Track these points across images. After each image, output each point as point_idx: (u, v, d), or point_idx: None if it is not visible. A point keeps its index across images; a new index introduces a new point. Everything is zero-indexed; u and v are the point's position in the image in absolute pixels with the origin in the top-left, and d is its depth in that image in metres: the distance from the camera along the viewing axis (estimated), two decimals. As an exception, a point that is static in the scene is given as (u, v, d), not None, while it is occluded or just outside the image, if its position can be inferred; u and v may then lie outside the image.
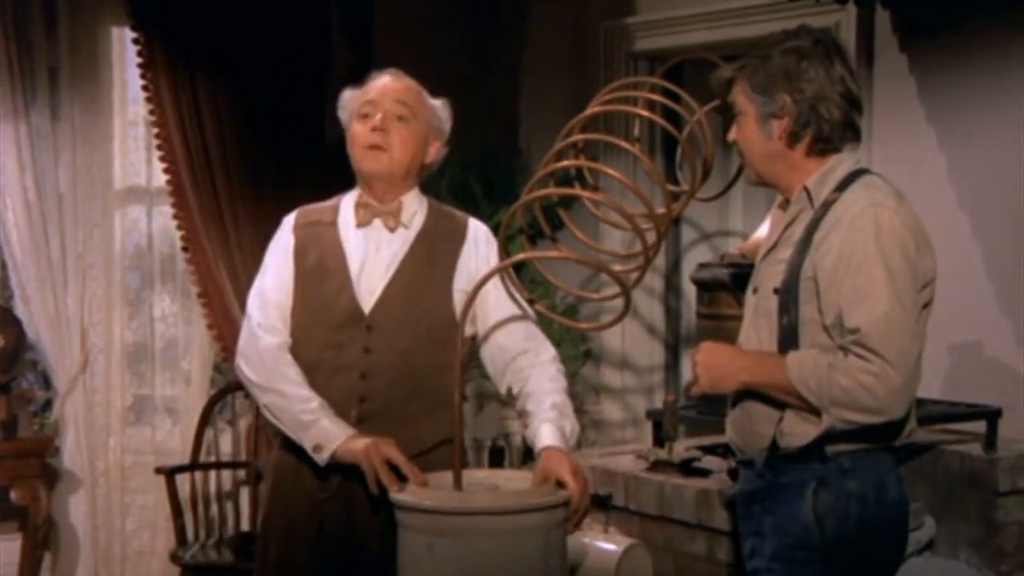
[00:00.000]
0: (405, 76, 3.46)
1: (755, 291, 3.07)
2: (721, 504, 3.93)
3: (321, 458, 3.21)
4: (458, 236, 3.44)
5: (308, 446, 3.22)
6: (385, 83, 3.42)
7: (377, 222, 3.41)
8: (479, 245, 3.45)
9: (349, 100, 3.46)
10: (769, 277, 2.99)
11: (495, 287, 3.31)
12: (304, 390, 3.28)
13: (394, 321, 3.34)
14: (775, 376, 2.88)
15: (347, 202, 3.48)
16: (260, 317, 3.40)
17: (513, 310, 3.36)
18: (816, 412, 2.84)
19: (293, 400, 3.28)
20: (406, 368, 3.32)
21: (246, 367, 3.38)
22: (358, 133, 3.38)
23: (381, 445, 3.13)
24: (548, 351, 3.35)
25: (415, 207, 3.45)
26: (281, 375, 3.32)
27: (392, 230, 3.40)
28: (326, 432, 3.21)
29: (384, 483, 3.07)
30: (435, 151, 3.47)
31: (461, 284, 3.35)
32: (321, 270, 3.39)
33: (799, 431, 2.89)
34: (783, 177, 3.03)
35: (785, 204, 3.06)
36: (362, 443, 3.15)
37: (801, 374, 2.83)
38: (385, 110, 3.36)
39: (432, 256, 3.41)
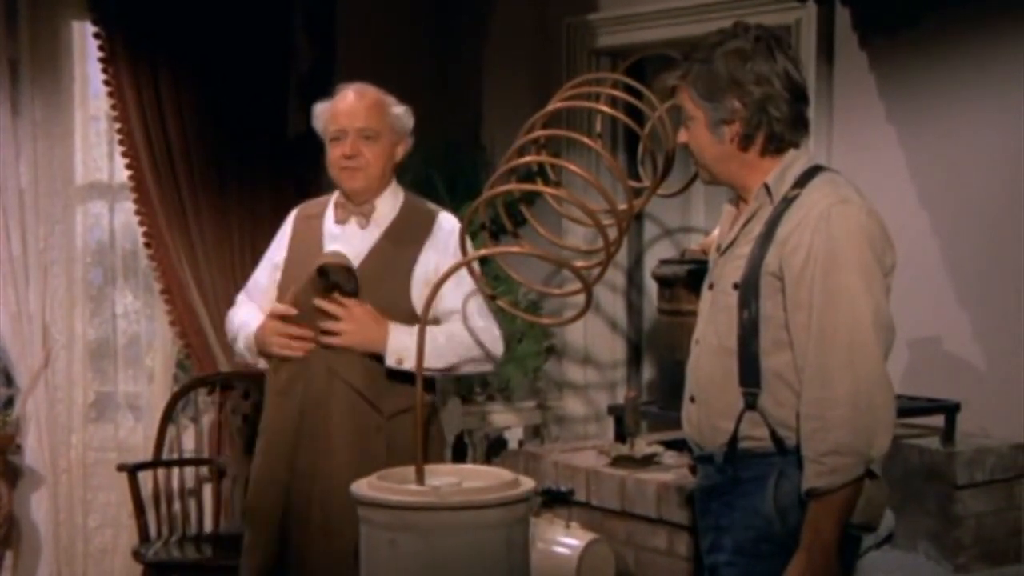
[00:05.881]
0: (369, 90, 3.83)
1: (711, 287, 3.05)
2: (681, 499, 3.96)
3: None
4: (423, 231, 3.83)
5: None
6: (350, 105, 3.80)
7: (352, 219, 3.85)
8: (443, 239, 3.78)
9: (320, 116, 3.85)
10: (728, 272, 2.98)
11: (452, 284, 3.52)
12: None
13: None
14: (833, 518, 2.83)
15: (334, 199, 3.93)
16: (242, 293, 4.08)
17: (456, 306, 3.75)
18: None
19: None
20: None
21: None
22: (332, 157, 3.82)
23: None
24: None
25: (389, 205, 3.86)
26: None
27: (364, 228, 3.84)
28: None
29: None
30: (403, 150, 3.89)
31: (420, 277, 3.74)
32: (304, 257, 3.82)
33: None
34: (738, 176, 3.00)
35: (738, 201, 3.07)
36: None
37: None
38: (353, 134, 3.77)
39: (396, 250, 3.79)
